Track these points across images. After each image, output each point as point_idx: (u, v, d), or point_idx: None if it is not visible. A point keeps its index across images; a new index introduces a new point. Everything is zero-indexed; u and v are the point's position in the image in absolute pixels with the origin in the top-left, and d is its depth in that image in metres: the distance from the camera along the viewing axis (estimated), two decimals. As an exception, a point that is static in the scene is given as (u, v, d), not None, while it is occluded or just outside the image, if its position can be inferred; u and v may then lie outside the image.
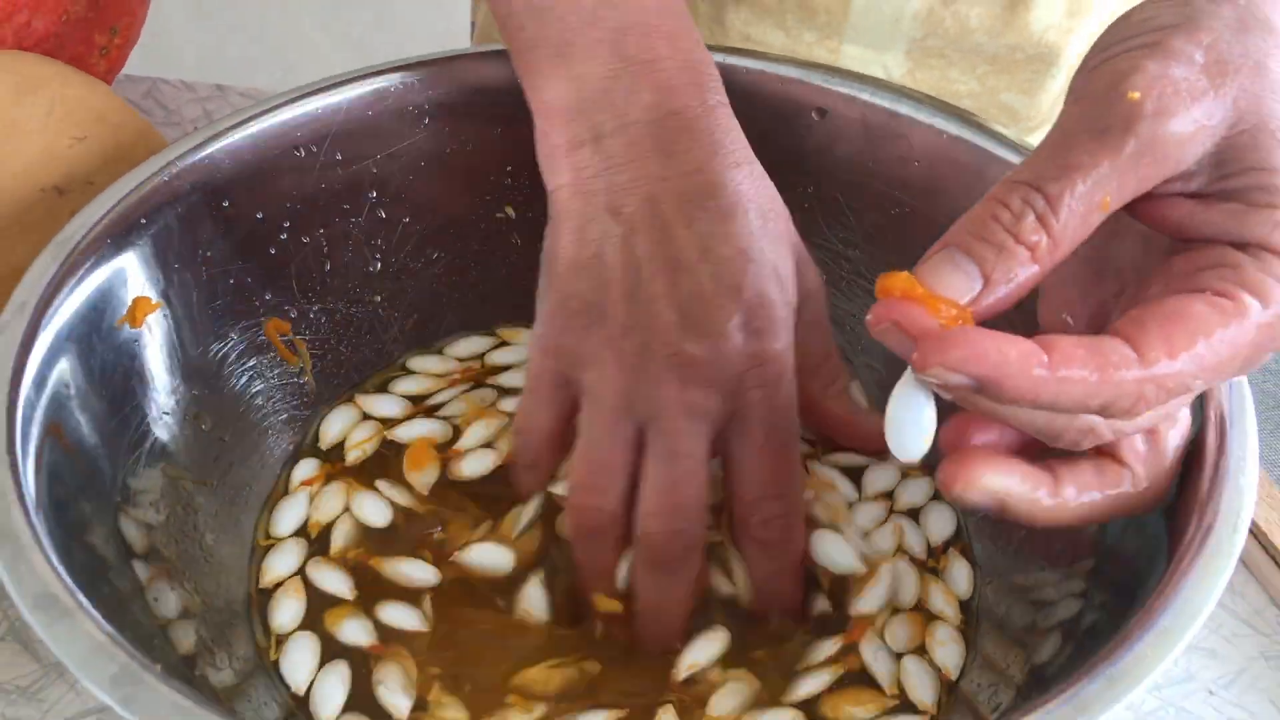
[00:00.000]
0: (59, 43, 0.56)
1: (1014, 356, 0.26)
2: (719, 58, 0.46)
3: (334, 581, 0.40)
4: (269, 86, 0.58)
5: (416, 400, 0.46)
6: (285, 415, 0.45)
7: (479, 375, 0.48)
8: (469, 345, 0.49)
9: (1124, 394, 0.27)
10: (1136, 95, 0.28)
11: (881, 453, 0.43)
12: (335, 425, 0.45)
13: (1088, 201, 0.28)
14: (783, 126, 0.47)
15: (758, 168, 0.40)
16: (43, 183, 0.45)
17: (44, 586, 0.29)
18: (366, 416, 0.46)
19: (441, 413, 0.46)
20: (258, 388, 0.44)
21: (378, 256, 0.47)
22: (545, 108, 0.41)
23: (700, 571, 0.39)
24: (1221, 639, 0.45)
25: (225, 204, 0.43)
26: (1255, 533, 0.47)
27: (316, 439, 0.45)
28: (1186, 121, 0.28)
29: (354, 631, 0.39)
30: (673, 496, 0.37)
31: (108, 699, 0.27)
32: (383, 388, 0.47)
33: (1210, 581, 0.30)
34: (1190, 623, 0.28)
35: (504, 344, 0.49)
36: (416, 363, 0.48)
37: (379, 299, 0.48)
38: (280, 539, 0.42)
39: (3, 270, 0.44)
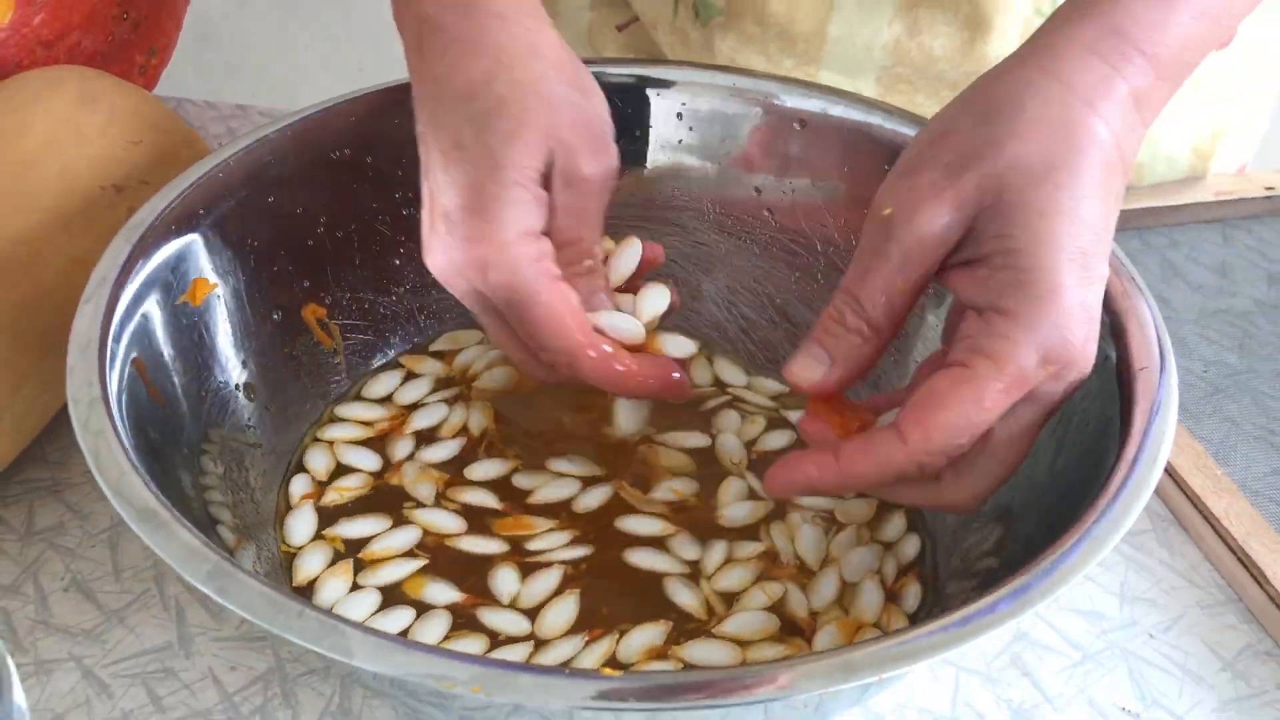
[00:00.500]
0: (104, 62, 0.61)
1: (814, 472, 0.38)
2: (710, 75, 0.52)
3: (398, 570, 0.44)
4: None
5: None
6: (320, 390, 0.50)
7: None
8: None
9: (904, 470, 0.37)
10: (889, 210, 0.38)
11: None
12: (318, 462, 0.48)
13: (887, 293, 0.38)
14: (769, 135, 0.52)
15: (536, 63, 0.43)
16: (103, 181, 0.50)
17: (144, 503, 0.34)
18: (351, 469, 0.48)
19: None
20: (297, 364, 0.49)
21: (402, 251, 0.52)
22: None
23: None
24: (1162, 591, 0.50)
25: (270, 199, 0.48)
26: (1192, 499, 0.52)
27: (302, 466, 0.48)
28: (932, 217, 0.37)
29: (439, 593, 0.43)
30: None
31: (206, 589, 0.31)
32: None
33: (1135, 501, 0.35)
34: (1118, 529, 0.34)
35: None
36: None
37: (403, 289, 0.53)
38: (301, 546, 0.45)
39: (70, 257, 0.48)
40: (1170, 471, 0.53)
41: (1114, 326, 0.41)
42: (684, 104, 0.52)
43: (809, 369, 0.40)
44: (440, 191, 0.42)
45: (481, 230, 0.41)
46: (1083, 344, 0.36)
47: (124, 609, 0.46)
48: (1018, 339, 0.36)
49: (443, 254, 0.42)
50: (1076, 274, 0.36)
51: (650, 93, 0.52)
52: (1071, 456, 0.40)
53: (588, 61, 0.46)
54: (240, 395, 0.46)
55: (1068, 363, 0.36)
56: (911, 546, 0.46)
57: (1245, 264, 0.66)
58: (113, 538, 0.49)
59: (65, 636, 0.45)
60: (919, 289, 0.38)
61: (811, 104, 0.51)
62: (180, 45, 0.70)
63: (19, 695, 0.34)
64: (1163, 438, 0.37)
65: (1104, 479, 0.36)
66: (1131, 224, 0.68)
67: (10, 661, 0.34)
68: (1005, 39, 0.62)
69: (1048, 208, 0.36)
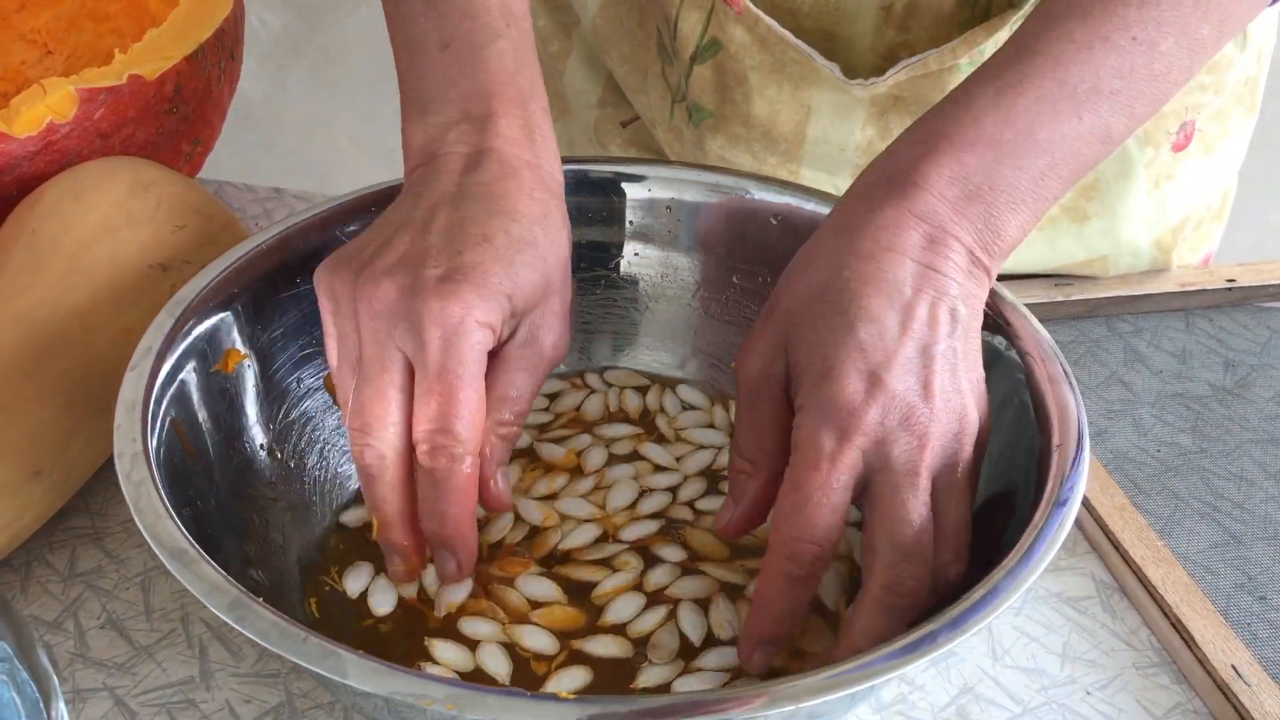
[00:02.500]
0: (154, 150, 0.67)
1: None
2: (697, 174, 0.58)
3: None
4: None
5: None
6: (337, 450, 0.55)
7: None
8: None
9: (787, 569, 0.42)
10: (734, 364, 0.46)
11: None
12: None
13: (753, 431, 0.45)
14: (750, 228, 0.58)
15: (550, 200, 0.48)
16: (151, 261, 0.56)
17: (177, 543, 0.39)
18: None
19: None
20: (317, 427, 0.55)
21: (415, 327, 0.58)
22: (406, 144, 0.51)
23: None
24: (1101, 652, 0.54)
25: (298, 280, 0.54)
26: (1132, 567, 0.56)
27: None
28: (752, 358, 0.45)
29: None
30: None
31: (227, 618, 0.37)
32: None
33: (1054, 539, 0.40)
34: (1042, 562, 0.39)
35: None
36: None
37: (415, 361, 0.58)
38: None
39: (119, 328, 0.54)
40: (1115, 542, 0.57)
41: (1037, 410, 0.46)
42: (672, 198, 0.58)
43: (721, 514, 0.47)
44: (432, 233, 0.45)
45: (457, 289, 0.43)
46: (864, 406, 0.41)
47: (153, 645, 0.52)
48: (808, 425, 0.42)
49: (389, 282, 0.44)
50: (856, 359, 0.41)
51: (628, 186, 0.58)
52: (993, 522, 0.45)
53: (587, 159, 0.55)
54: (263, 454, 0.52)
55: (866, 428, 0.41)
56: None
57: (1204, 350, 0.71)
58: (145, 581, 0.54)
59: (100, 669, 0.51)
60: (777, 422, 0.44)
61: (787, 201, 0.57)
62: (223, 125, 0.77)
63: (62, 707, 0.39)
64: (1071, 506, 0.42)
65: (1012, 548, 0.41)
66: (1099, 311, 0.73)
67: (57, 681, 0.39)
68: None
69: (819, 319, 0.43)
